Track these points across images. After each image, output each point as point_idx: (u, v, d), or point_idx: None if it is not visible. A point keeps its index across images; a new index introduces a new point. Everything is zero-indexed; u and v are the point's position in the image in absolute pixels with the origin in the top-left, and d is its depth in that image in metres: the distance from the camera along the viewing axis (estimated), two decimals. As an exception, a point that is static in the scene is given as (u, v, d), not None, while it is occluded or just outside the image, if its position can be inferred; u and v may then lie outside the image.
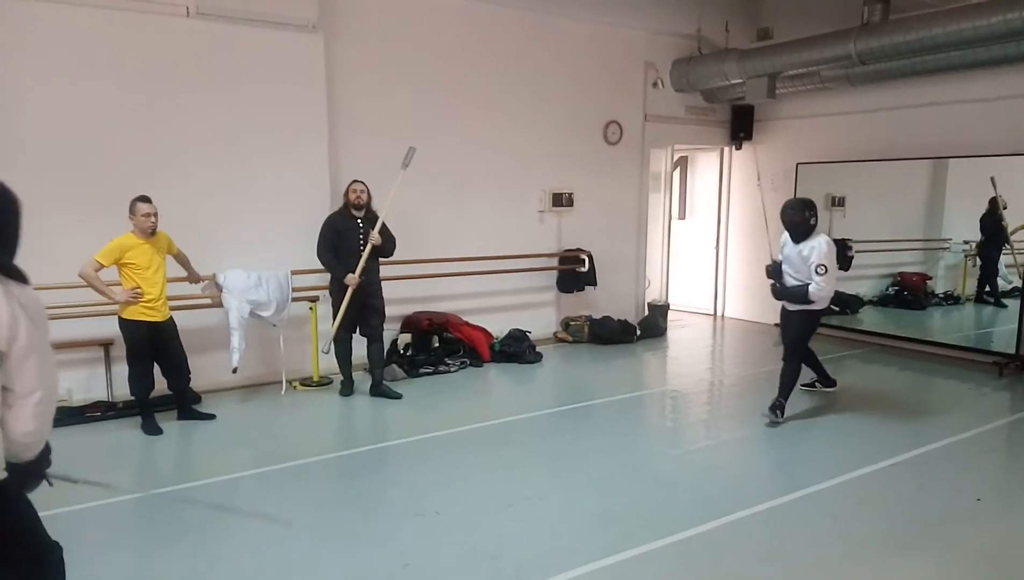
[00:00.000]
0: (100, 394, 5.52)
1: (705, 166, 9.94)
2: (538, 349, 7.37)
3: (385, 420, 5.56)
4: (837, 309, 8.47)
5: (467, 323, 7.19)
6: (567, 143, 7.95)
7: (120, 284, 4.82)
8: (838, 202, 8.51)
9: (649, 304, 8.88)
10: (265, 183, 6.05)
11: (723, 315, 9.69)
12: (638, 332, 8.25)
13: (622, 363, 7.36)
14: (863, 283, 8.43)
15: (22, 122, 5.11)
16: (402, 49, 6.73)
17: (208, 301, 5.68)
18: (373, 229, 5.63)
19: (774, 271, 5.36)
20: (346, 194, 5.73)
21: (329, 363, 6.12)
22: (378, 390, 5.90)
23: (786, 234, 5.23)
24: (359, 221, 5.70)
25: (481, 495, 4.01)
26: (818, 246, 4.98)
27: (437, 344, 6.94)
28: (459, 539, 3.50)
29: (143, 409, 5.07)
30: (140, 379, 4.99)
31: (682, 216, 10.13)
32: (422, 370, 6.58)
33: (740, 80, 7.88)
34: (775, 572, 3.22)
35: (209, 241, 5.68)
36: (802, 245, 5.06)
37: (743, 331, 8.97)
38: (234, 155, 5.91)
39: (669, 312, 8.94)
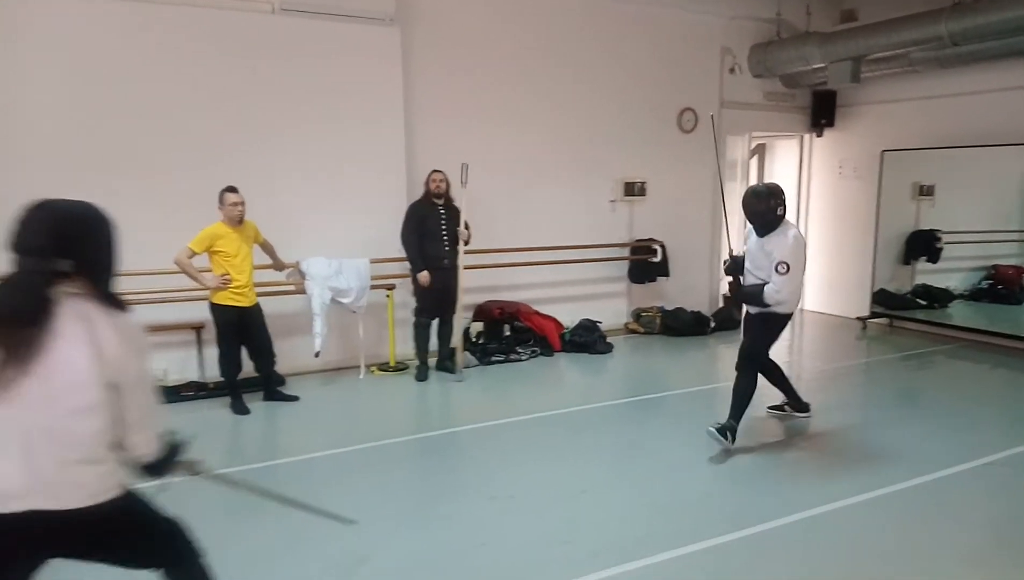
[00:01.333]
0: (193, 374, 5.83)
1: (784, 154, 9.65)
2: (608, 340, 7.35)
3: (459, 406, 5.68)
4: (924, 303, 8.14)
5: (538, 312, 7.24)
6: (640, 131, 7.86)
7: (211, 270, 5.08)
8: (926, 191, 8.15)
9: (724, 296, 8.71)
10: (345, 174, 6.25)
11: (802, 308, 9.40)
12: (712, 324, 8.11)
13: (695, 355, 7.27)
14: (953, 276, 8.04)
15: (118, 120, 5.43)
16: (475, 39, 6.81)
17: (292, 288, 5.91)
18: (459, 214, 6.05)
19: (732, 266, 4.75)
20: (427, 183, 6.03)
21: (405, 349, 6.29)
22: (443, 365, 6.36)
23: (751, 226, 4.59)
24: (440, 208, 6.02)
25: (554, 481, 4.06)
26: (784, 241, 4.34)
27: (508, 333, 7.01)
28: (533, 522, 3.57)
29: (232, 390, 5.34)
30: (229, 361, 5.25)
31: (759, 206, 9.87)
32: (493, 358, 6.68)
33: (822, 64, 7.61)
34: (853, 572, 3.15)
35: (292, 230, 5.91)
36: (766, 239, 4.43)
37: (822, 325, 8.71)
38: (316, 147, 6.12)
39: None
